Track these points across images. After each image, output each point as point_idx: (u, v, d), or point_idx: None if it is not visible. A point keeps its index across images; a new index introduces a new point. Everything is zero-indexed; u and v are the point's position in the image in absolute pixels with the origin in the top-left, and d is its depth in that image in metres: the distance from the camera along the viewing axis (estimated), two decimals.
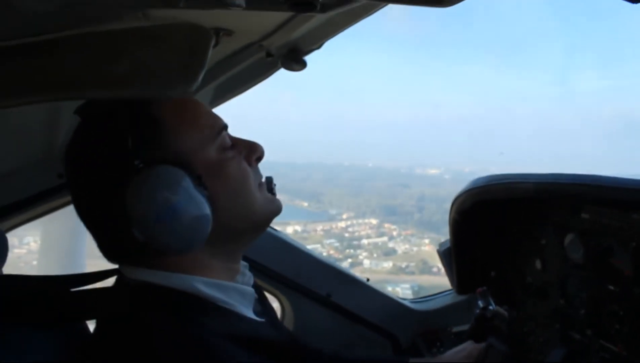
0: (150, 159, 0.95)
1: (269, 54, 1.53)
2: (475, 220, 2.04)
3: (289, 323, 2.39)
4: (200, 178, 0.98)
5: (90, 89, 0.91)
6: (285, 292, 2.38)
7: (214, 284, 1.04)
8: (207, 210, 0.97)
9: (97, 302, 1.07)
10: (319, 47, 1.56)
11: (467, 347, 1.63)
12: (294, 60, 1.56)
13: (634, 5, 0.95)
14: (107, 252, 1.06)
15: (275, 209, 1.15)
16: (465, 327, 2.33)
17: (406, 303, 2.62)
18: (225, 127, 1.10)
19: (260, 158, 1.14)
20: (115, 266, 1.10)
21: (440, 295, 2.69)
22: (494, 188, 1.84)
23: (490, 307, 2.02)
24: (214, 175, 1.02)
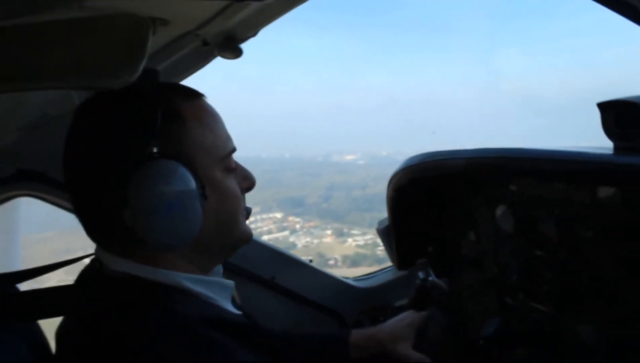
0: (164, 151, 0.96)
1: (205, 43, 1.50)
2: (411, 197, 2.10)
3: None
4: (203, 188, 1.00)
5: (26, 80, 0.89)
6: (230, 277, 2.36)
7: (197, 279, 1.06)
8: (200, 221, 0.98)
9: (68, 298, 1.06)
10: (254, 35, 1.55)
11: (408, 315, 1.68)
12: (230, 48, 1.55)
13: None
14: (94, 234, 1.06)
15: (249, 238, 1.18)
16: (406, 301, 2.41)
17: (349, 281, 2.68)
18: (234, 150, 1.13)
19: (249, 188, 1.17)
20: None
21: (381, 272, 2.77)
22: (428, 165, 1.90)
23: (430, 278, 2.10)
24: (213, 191, 1.04)
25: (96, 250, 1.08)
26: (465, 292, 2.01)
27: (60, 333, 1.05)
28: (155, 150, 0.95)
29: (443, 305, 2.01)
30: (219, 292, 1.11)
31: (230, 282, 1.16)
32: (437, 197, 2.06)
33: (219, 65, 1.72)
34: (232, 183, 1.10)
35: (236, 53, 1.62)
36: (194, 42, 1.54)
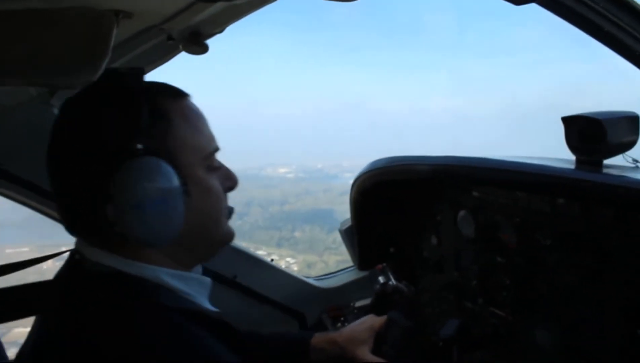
0: (150, 148, 0.96)
1: (170, 37, 1.47)
2: (375, 200, 2.11)
3: None
4: (187, 186, 1.00)
5: None
6: None
7: (177, 275, 1.06)
8: (182, 219, 0.98)
9: (56, 293, 1.04)
10: (221, 31, 1.53)
11: (369, 319, 1.70)
12: (196, 43, 1.52)
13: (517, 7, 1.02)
14: (77, 228, 1.05)
15: (230, 238, 1.19)
16: (367, 302, 2.44)
17: (310, 281, 2.68)
18: (218, 149, 1.12)
19: (232, 188, 1.17)
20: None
21: (342, 272, 2.78)
22: (393, 169, 1.92)
23: (390, 282, 2.12)
24: (196, 190, 1.04)
25: (77, 244, 1.07)
26: (425, 295, 2.05)
27: (37, 330, 1.03)
28: (139, 146, 0.95)
29: (404, 307, 2.04)
30: (197, 288, 1.12)
31: (208, 280, 1.17)
32: (400, 200, 2.09)
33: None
34: (215, 182, 1.10)
35: (202, 48, 1.60)
36: (159, 36, 1.51)
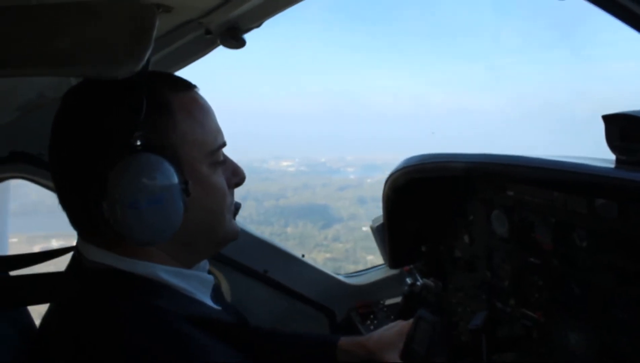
0: (149, 144, 0.93)
1: (207, 32, 1.50)
2: (407, 197, 2.10)
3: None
4: (187, 183, 0.97)
5: (29, 65, 0.86)
6: (221, 269, 2.37)
7: (176, 272, 1.04)
8: (180, 217, 0.96)
9: (54, 286, 1.03)
10: (258, 26, 1.55)
11: (398, 324, 1.69)
12: (233, 38, 1.54)
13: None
14: (75, 224, 1.04)
15: (234, 235, 1.16)
16: (397, 300, 2.43)
17: (340, 278, 2.69)
18: (224, 144, 1.10)
19: (239, 184, 1.15)
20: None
21: (373, 269, 2.78)
22: (427, 166, 1.90)
23: (418, 283, 2.12)
24: (198, 186, 1.01)
25: (77, 240, 1.07)
26: (456, 294, 2.03)
27: (43, 323, 1.04)
28: (138, 142, 0.92)
29: (432, 304, 2.03)
30: (198, 286, 1.09)
31: (210, 277, 1.14)
32: (433, 199, 2.07)
33: None
34: (219, 179, 1.08)
35: (239, 43, 1.62)
36: (197, 30, 1.53)
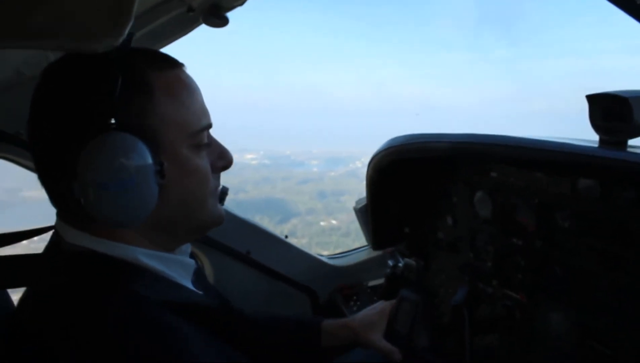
0: (124, 123, 0.89)
1: (190, 9, 1.45)
2: (391, 178, 2.08)
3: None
4: (162, 165, 0.93)
5: (5, 38, 0.81)
6: (204, 250, 2.35)
7: (156, 256, 1.01)
8: (154, 200, 0.93)
9: (31, 269, 1.01)
10: (241, 4, 1.50)
11: (380, 304, 1.69)
12: (216, 16, 1.50)
13: None
14: (54, 205, 1.01)
15: (218, 221, 1.12)
16: (380, 281, 2.43)
17: (323, 259, 2.68)
18: (209, 126, 1.06)
19: (226, 167, 1.12)
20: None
21: (356, 251, 2.78)
22: (410, 147, 1.88)
23: (400, 264, 2.12)
24: (177, 169, 0.98)
25: (56, 221, 1.03)
26: (439, 275, 2.02)
27: (19, 307, 1.00)
28: (112, 121, 0.89)
29: (414, 283, 2.03)
30: (179, 270, 1.06)
31: (191, 261, 1.12)
32: (416, 180, 2.05)
33: None
34: (201, 162, 1.04)
35: (222, 21, 1.58)
36: (179, 7, 1.49)
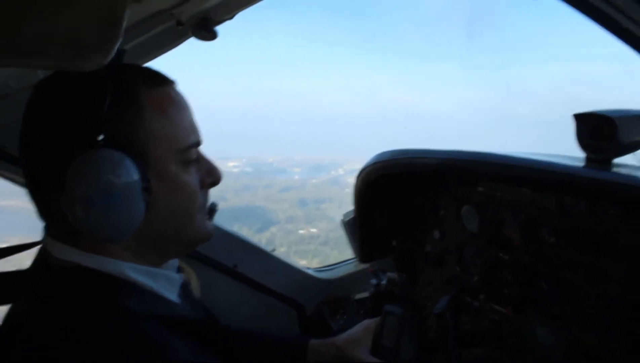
0: (113, 139, 0.91)
1: (179, 23, 1.45)
2: (379, 192, 2.10)
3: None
4: (149, 182, 0.94)
5: None
6: (191, 263, 2.33)
7: (143, 270, 1.01)
8: (141, 216, 0.93)
9: (19, 285, 1.01)
10: (231, 18, 1.51)
11: (366, 322, 1.69)
12: (205, 29, 1.50)
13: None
14: (42, 220, 1.01)
15: (206, 236, 1.13)
16: (367, 294, 2.43)
17: (310, 272, 2.68)
18: (199, 143, 1.07)
19: (214, 183, 1.12)
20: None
21: (343, 264, 2.78)
22: (398, 162, 1.90)
23: (382, 282, 2.12)
24: (165, 185, 0.99)
25: (43, 237, 1.03)
26: (426, 288, 2.04)
27: (5, 323, 0.99)
28: (100, 137, 0.90)
29: (399, 296, 2.03)
30: (165, 284, 1.06)
31: (178, 276, 1.12)
32: (404, 193, 2.07)
33: None
34: (190, 178, 1.04)
35: (211, 35, 1.59)
36: (168, 21, 1.49)
